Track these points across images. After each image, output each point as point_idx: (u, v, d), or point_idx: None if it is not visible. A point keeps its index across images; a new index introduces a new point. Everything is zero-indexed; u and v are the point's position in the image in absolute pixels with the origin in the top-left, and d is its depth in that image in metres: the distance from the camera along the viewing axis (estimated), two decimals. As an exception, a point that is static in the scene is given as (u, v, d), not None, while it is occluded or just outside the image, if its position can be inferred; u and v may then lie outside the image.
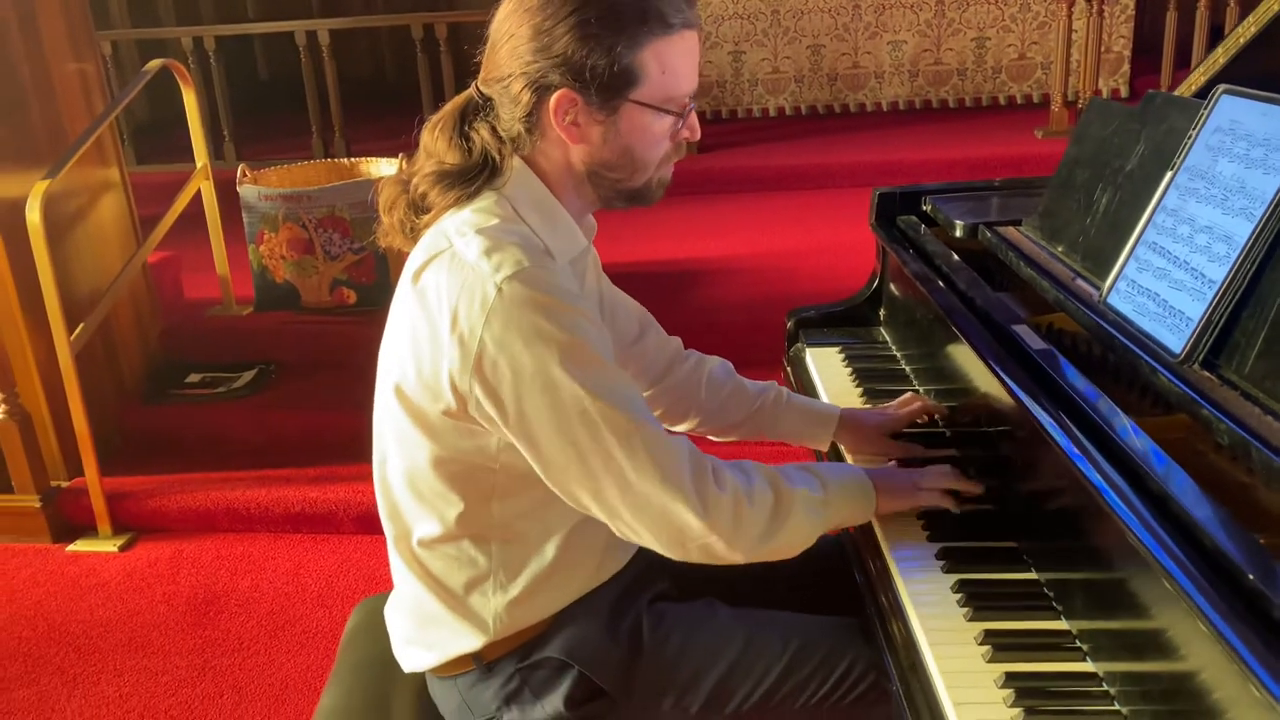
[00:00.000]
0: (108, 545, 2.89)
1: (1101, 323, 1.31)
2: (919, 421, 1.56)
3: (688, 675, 1.26)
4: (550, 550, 1.24)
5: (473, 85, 1.24)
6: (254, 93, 7.14)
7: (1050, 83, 5.30)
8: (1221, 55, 1.63)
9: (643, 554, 1.34)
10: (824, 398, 1.77)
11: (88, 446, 2.84)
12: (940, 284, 1.62)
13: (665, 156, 1.25)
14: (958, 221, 1.80)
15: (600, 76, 1.14)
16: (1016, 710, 1.01)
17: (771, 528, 1.19)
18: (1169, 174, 1.31)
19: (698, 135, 1.28)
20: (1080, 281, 1.46)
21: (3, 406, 2.85)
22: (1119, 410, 1.12)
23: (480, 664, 1.26)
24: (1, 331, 2.82)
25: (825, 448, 1.56)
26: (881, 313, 2.06)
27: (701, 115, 5.31)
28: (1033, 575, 1.22)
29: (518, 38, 1.15)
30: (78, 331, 2.83)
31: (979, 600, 1.17)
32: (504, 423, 1.12)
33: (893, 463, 1.47)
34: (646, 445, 1.12)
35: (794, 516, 1.21)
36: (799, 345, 2.04)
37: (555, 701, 1.23)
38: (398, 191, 1.25)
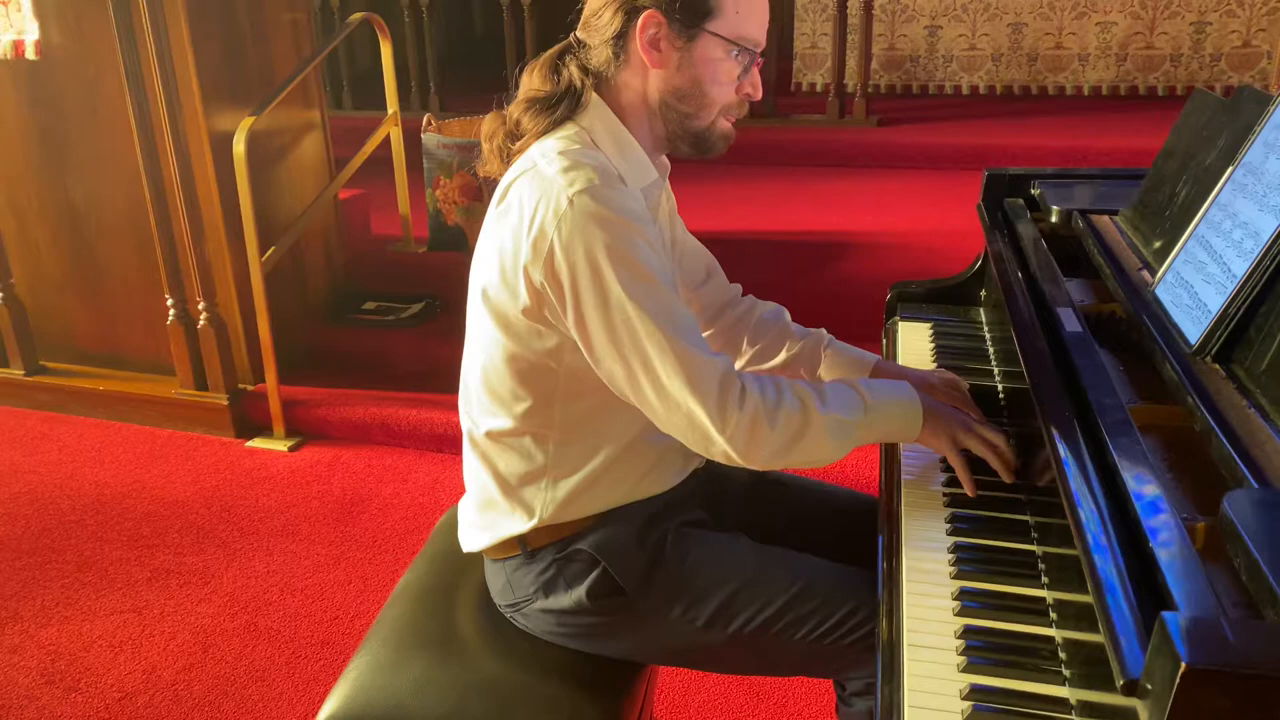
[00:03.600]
0: (279, 445, 3.27)
1: (1142, 312, 1.32)
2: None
3: (698, 590, 1.38)
4: (600, 459, 1.38)
5: (571, 34, 1.39)
6: (468, 48, 7.56)
7: (1273, 73, 4.94)
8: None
9: (683, 485, 1.47)
10: (899, 368, 1.83)
11: (270, 356, 3.21)
12: (1013, 263, 1.65)
13: (728, 105, 1.36)
14: (1054, 207, 1.80)
15: (687, 1, 1.28)
16: (962, 659, 1.08)
17: (790, 447, 1.29)
18: (1229, 169, 1.31)
19: (759, 94, 1.39)
20: (1145, 272, 1.47)
21: (205, 315, 3.26)
22: (1113, 390, 1.15)
23: (525, 549, 1.42)
24: (208, 248, 3.22)
25: None
26: (983, 293, 2.08)
27: (891, 89, 5.29)
28: (1030, 546, 1.27)
29: None
30: (269, 253, 3.19)
31: (967, 561, 1.24)
32: (566, 316, 1.26)
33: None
34: (679, 357, 1.24)
35: (816, 438, 1.29)
36: (895, 319, 2.08)
37: (580, 592, 1.38)
38: (497, 123, 1.41)
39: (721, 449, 1.28)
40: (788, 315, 1.70)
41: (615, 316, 1.24)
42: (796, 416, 1.29)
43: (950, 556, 1.26)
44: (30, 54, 2.97)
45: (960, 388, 1.54)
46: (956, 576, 1.22)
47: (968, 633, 1.11)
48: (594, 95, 1.34)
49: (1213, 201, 1.31)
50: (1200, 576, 0.82)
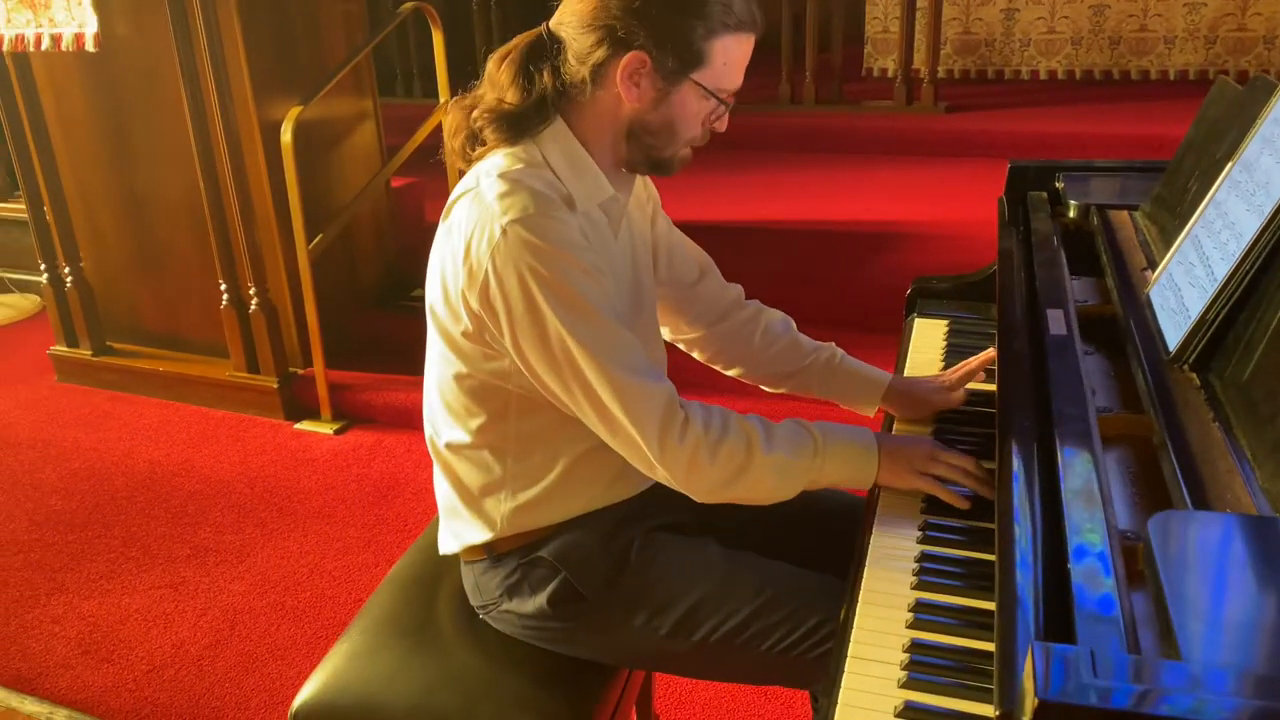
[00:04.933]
0: (326, 428, 3.34)
1: (1131, 316, 1.26)
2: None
3: (662, 598, 1.35)
4: (559, 471, 1.37)
5: (543, 25, 1.33)
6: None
7: (1374, 56, 4.65)
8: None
9: (657, 489, 1.45)
10: (905, 369, 1.77)
11: (317, 341, 3.28)
12: (1017, 261, 1.58)
13: (693, 137, 1.34)
14: (1072, 201, 1.73)
15: (678, 50, 1.24)
16: (903, 674, 1.04)
17: (731, 482, 1.27)
18: (1229, 165, 1.23)
19: (724, 127, 1.36)
20: (1148, 272, 1.40)
21: (256, 299, 3.35)
22: (1082, 398, 1.10)
23: (491, 554, 1.42)
24: (258, 235, 3.30)
25: (872, 413, 1.58)
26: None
27: (965, 74, 5.12)
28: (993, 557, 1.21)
29: None
30: (316, 240, 3.25)
31: (931, 573, 1.19)
32: (506, 343, 1.26)
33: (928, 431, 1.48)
34: (616, 388, 1.23)
35: (758, 477, 1.28)
36: (913, 315, 2.02)
37: (541, 598, 1.38)
38: (462, 119, 1.36)
39: (663, 476, 1.28)
40: (794, 326, 1.64)
41: (553, 347, 1.23)
42: (739, 454, 1.27)
43: (914, 566, 1.21)
44: (90, 46, 3.07)
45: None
46: (917, 587, 1.17)
47: (915, 647, 1.07)
48: (559, 118, 1.30)
49: (1210, 200, 1.23)
50: (1112, 604, 0.78)
